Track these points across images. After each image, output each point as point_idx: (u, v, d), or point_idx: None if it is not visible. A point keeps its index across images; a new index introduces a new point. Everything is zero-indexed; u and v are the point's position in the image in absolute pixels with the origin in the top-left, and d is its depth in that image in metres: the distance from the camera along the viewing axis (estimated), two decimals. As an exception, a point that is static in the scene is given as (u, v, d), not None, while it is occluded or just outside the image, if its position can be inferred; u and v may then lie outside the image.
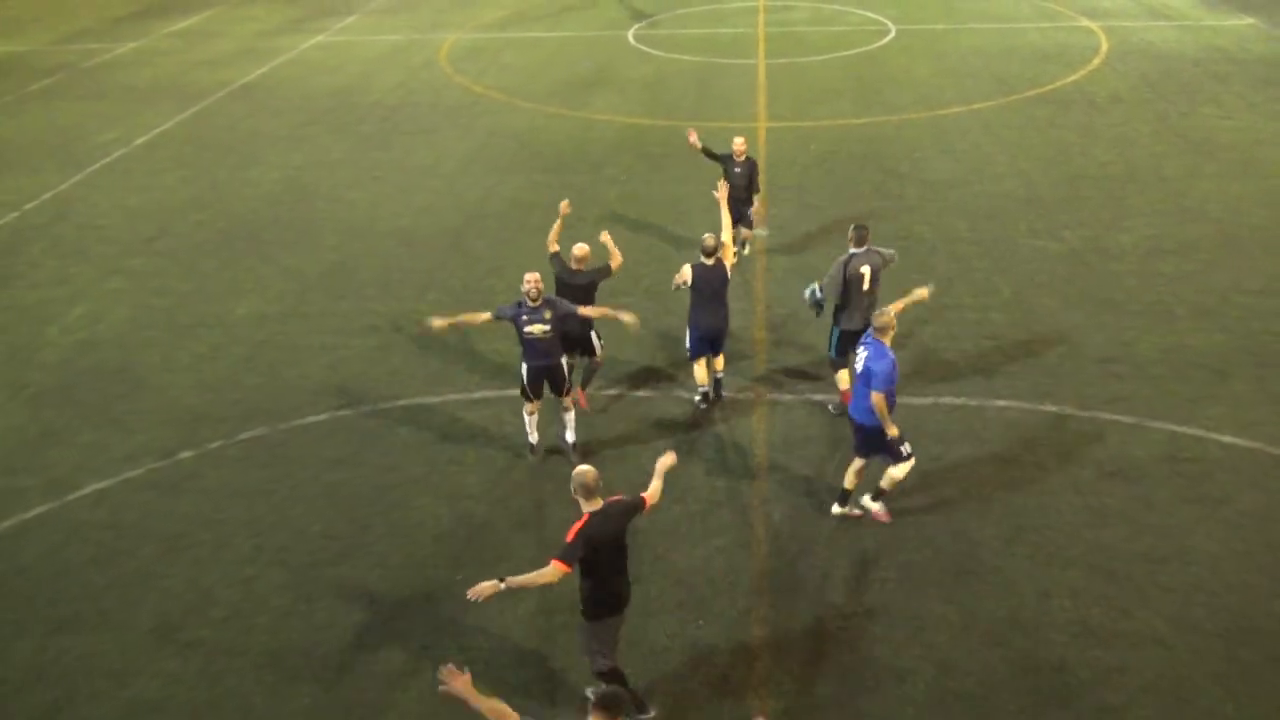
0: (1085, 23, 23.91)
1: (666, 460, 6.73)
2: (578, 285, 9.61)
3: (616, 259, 9.91)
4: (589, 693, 6.47)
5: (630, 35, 24.48)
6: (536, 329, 8.81)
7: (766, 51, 22.71)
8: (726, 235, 9.85)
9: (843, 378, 9.58)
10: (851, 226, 9.48)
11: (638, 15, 25.58)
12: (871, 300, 9.28)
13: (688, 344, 9.84)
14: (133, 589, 8.06)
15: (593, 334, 9.73)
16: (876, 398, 7.77)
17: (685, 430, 9.71)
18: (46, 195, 16.27)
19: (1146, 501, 8.50)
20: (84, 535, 8.68)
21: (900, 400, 9.93)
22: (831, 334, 9.64)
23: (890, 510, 8.40)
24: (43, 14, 29.99)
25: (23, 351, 11.67)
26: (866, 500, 8.43)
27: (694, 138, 12.58)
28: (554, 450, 9.48)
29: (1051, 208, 14.17)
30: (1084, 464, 8.99)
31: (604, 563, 6.17)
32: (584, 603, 6.34)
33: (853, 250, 9.32)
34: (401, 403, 10.34)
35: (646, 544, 8.27)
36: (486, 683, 7.09)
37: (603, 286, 10.00)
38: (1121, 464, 8.96)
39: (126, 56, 24.71)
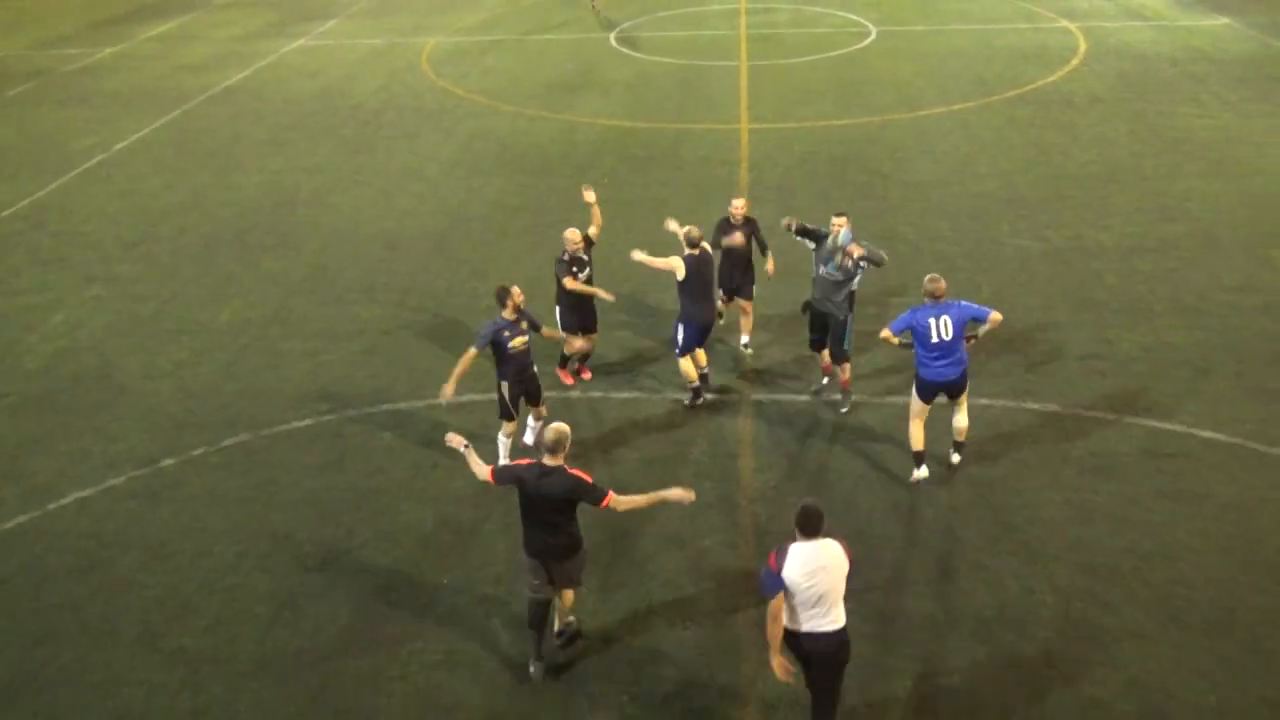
0: (1063, 23, 24.10)
1: (674, 494, 6.63)
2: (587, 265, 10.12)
3: (597, 222, 10.43)
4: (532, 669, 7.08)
5: (612, 38, 24.50)
6: (519, 341, 8.81)
7: (748, 53, 22.78)
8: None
9: (823, 356, 10.02)
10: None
11: (609, 24, 25.57)
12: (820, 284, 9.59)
13: (680, 340, 9.79)
14: (115, 598, 7.99)
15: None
16: (995, 316, 8.49)
17: (671, 431, 9.71)
18: (25, 202, 16.13)
19: (1128, 497, 8.57)
20: (65, 544, 8.60)
21: (883, 400, 10.02)
22: (848, 325, 9.63)
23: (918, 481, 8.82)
24: (19, 19, 29.76)
25: (2, 359, 11.56)
26: (954, 457, 8.98)
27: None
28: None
29: (1033, 207, 14.27)
30: (1066, 461, 9.05)
31: (530, 510, 6.75)
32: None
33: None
34: (385, 407, 10.31)
35: (635, 547, 8.28)
36: (473, 685, 7.08)
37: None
38: (1103, 460, 9.03)
39: (106, 61, 24.54)
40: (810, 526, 5.81)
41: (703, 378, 10.09)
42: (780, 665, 5.92)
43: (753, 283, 10.65)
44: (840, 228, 9.40)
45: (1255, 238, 13.08)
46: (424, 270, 13.23)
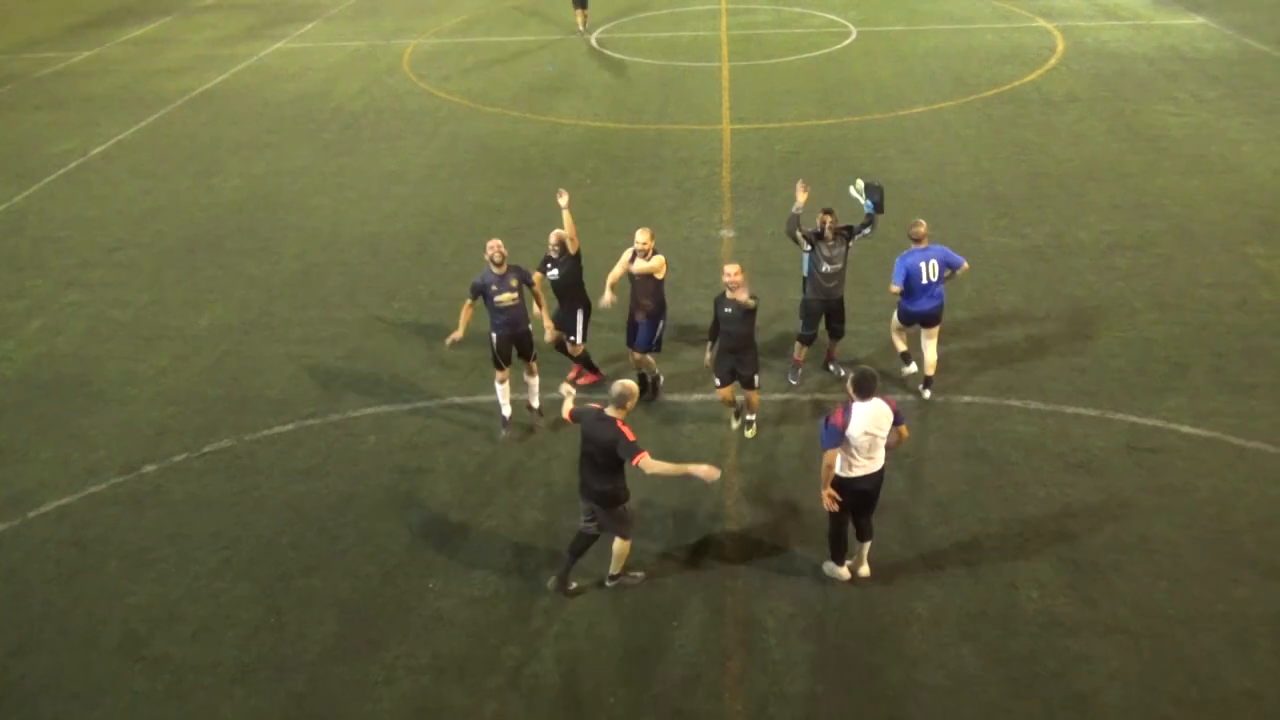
0: (1041, 23, 24.29)
1: (702, 469, 6.92)
2: (571, 262, 9.97)
3: (570, 233, 10.01)
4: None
5: (593, 39, 24.49)
6: (505, 297, 9.18)
7: (729, 54, 22.83)
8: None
9: (801, 350, 10.38)
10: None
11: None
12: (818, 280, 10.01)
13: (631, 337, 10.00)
14: (97, 607, 7.92)
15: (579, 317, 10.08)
16: (965, 265, 9.79)
17: (658, 431, 9.72)
18: (0, 207, 15.95)
19: (1109, 492, 8.65)
20: (45, 553, 8.52)
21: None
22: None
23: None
24: (-7, 23, 29.44)
25: (-21, 367, 11.44)
26: (925, 392, 10.00)
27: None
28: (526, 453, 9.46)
29: (1013, 205, 14.37)
30: (1048, 457, 9.12)
31: (583, 451, 7.35)
32: None
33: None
34: (369, 411, 10.26)
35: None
36: (460, 690, 7.07)
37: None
38: (1084, 456, 9.10)
39: (81, 65, 24.32)
40: (865, 389, 7.08)
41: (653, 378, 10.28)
42: (829, 496, 7.29)
43: (756, 364, 9.30)
44: (830, 223, 9.72)
45: (1232, 234, 13.23)
46: (406, 273, 13.19)
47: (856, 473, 7.27)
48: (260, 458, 9.61)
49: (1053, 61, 21.07)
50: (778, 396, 10.22)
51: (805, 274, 10.00)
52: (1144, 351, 10.70)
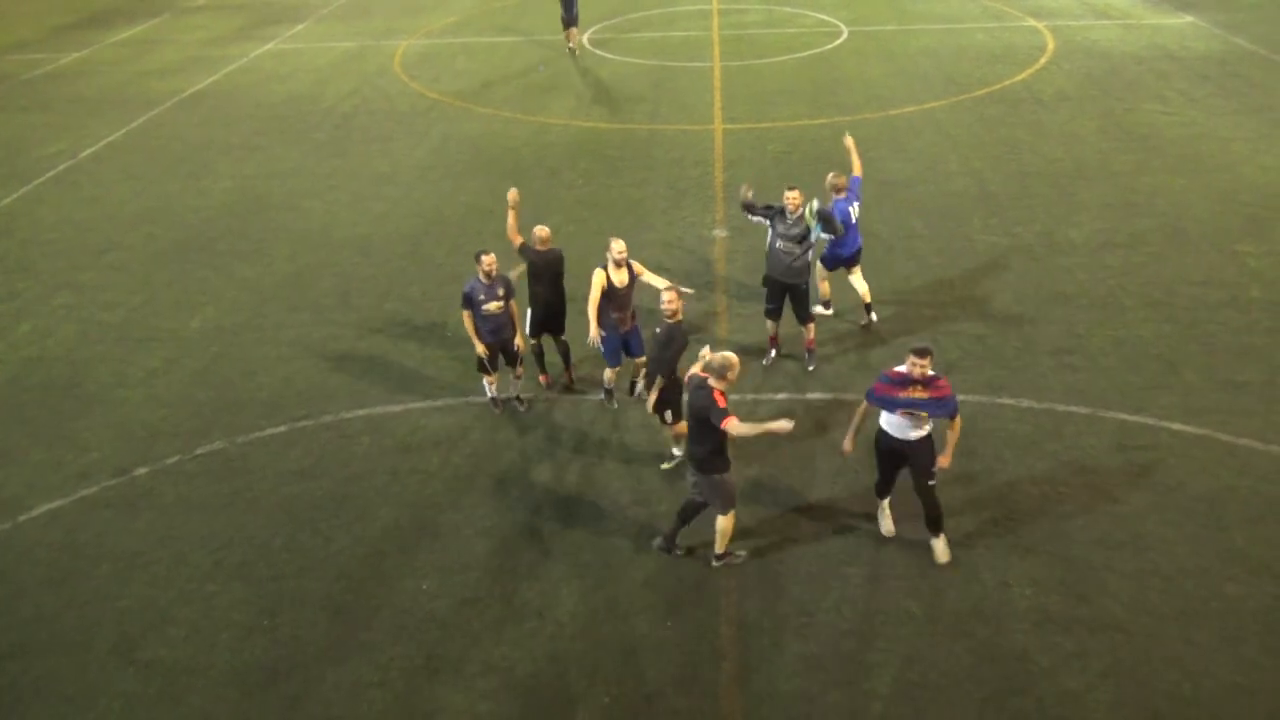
0: (1031, 23, 24.37)
1: (779, 425, 7.02)
2: (552, 260, 10.03)
3: (511, 233, 10.14)
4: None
5: (585, 39, 24.48)
6: (493, 306, 9.50)
7: (721, 54, 22.84)
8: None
9: (773, 326, 10.64)
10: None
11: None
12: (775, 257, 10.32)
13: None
14: (89, 610, 7.89)
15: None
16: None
17: (648, 433, 9.73)
18: (-10, 210, 15.89)
19: (1101, 489, 8.68)
20: (37, 557, 8.49)
21: (861, 396, 10.04)
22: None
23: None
24: (-18, 24, 29.29)
25: (-32, 370, 11.39)
26: (872, 315, 11.21)
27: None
28: (517, 462, 9.46)
29: (1003, 204, 14.41)
30: (1040, 455, 9.15)
31: (687, 416, 7.71)
32: None
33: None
34: (362, 412, 10.25)
35: (614, 547, 8.28)
36: (454, 690, 7.06)
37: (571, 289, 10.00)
38: (1076, 454, 9.14)
39: (70, 67, 24.21)
40: (920, 359, 7.48)
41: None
42: (848, 439, 8.03)
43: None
44: (794, 201, 9.96)
45: (1221, 232, 13.29)
46: (398, 275, 13.16)
47: (890, 430, 7.79)
48: (253, 459, 9.58)
49: (1043, 61, 21.14)
50: (778, 397, 10.23)
51: (766, 249, 10.26)
52: (1135, 349, 10.74)
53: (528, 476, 9.20)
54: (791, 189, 9.99)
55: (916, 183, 15.27)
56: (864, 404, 7.86)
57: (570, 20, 22.66)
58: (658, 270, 12.83)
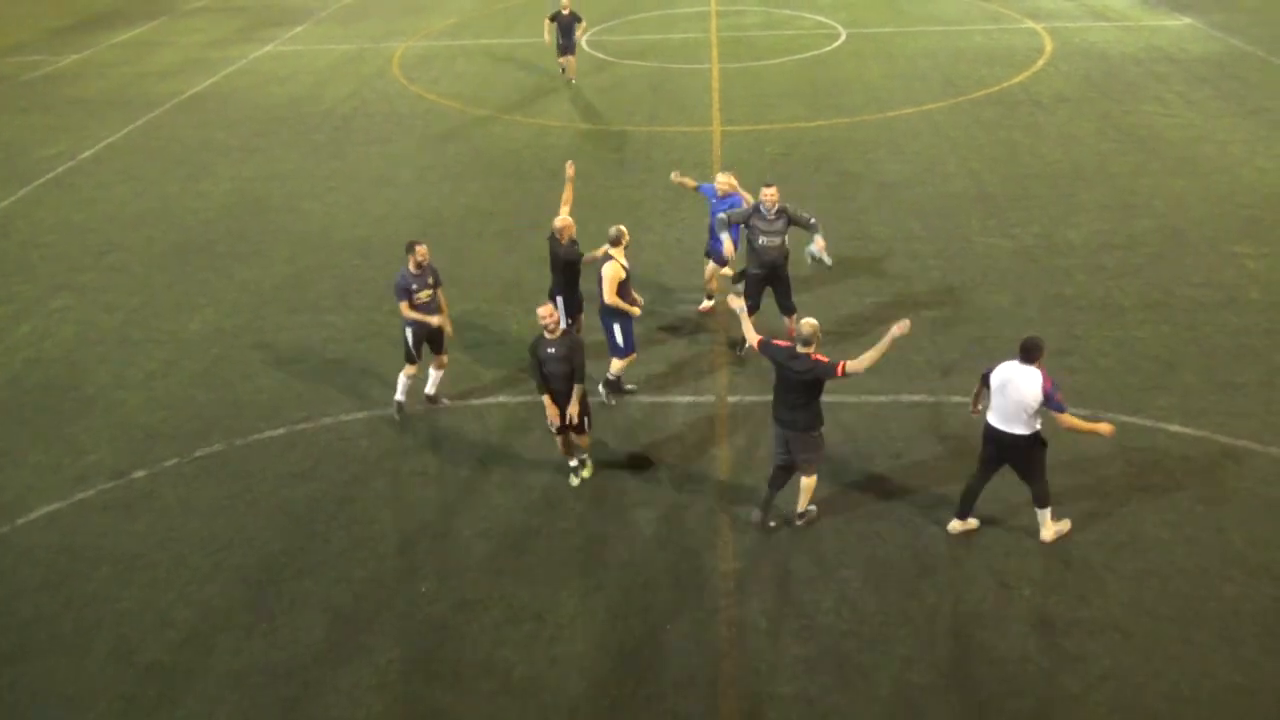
0: (1029, 24, 24.39)
1: (897, 329, 7.42)
2: (570, 255, 10.18)
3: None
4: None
5: (584, 41, 24.49)
6: (424, 294, 9.70)
7: (719, 56, 22.86)
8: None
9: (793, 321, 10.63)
10: (767, 187, 10.29)
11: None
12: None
13: (621, 340, 9.96)
14: (87, 613, 7.89)
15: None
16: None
17: (650, 434, 9.73)
18: (-11, 212, 15.89)
19: (1099, 490, 8.69)
20: (35, 559, 8.48)
21: (860, 398, 10.08)
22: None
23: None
24: (-20, 26, 29.28)
25: (-33, 372, 11.38)
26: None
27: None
28: (511, 463, 9.46)
29: (1002, 206, 14.43)
30: (1039, 456, 9.15)
31: (779, 386, 7.97)
32: None
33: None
34: (361, 415, 10.24)
35: (611, 549, 8.28)
36: (452, 693, 7.06)
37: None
38: (1075, 454, 9.14)
39: (69, 69, 24.21)
40: (1026, 353, 7.70)
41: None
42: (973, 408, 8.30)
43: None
44: (770, 197, 10.12)
45: (1220, 234, 13.31)
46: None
47: (993, 423, 7.88)
48: (252, 462, 9.58)
49: (1041, 63, 21.16)
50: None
51: (747, 250, 10.43)
52: (1133, 351, 10.75)
53: (526, 478, 9.20)
54: (769, 185, 10.22)
55: (915, 184, 15.28)
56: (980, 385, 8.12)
57: (567, 48, 20.67)
58: (658, 271, 12.87)
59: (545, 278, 10.68)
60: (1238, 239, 13.15)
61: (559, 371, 8.51)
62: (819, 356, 7.73)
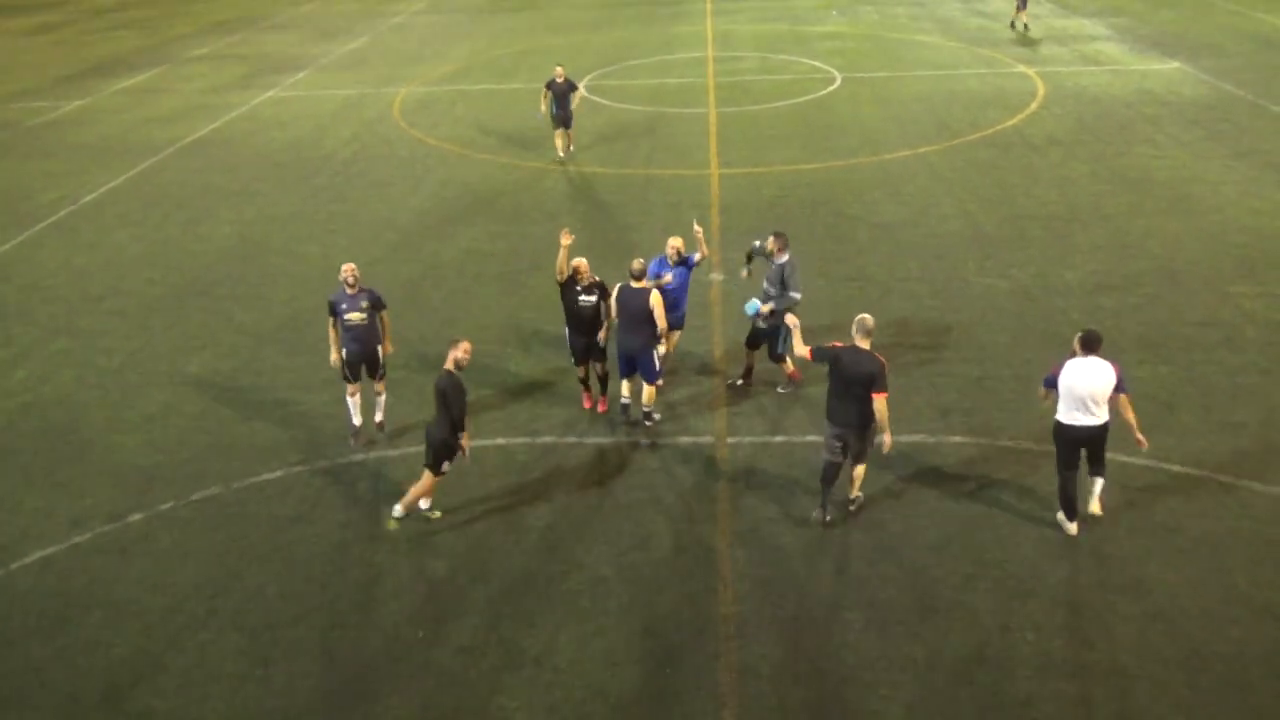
0: (1022, 69, 24.76)
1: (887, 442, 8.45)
2: (591, 304, 10.27)
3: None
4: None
5: (582, 86, 24.79)
6: (354, 316, 9.90)
7: (716, 100, 23.16)
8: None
9: (789, 364, 10.90)
10: (774, 235, 10.56)
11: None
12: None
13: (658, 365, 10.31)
14: (79, 659, 7.78)
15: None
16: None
17: (648, 474, 9.69)
18: (-11, 256, 15.95)
19: (1101, 532, 8.63)
20: (28, 605, 8.38)
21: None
22: (782, 330, 10.46)
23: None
24: (-15, 73, 29.65)
25: (-36, 416, 11.34)
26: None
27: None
28: (496, 509, 9.41)
29: (998, 247, 14.52)
30: (1039, 497, 9.11)
31: (839, 385, 8.46)
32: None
33: (784, 257, 10.54)
34: (357, 458, 10.20)
35: (611, 593, 8.20)
36: (451, 742, 6.92)
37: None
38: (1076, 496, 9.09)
39: (72, 115, 24.48)
40: (1088, 346, 8.19)
41: (636, 401, 10.57)
42: (1042, 396, 8.77)
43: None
44: (771, 245, 10.49)
45: (1214, 274, 13.38)
46: (396, 319, 13.08)
47: (1072, 421, 8.23)
48: (248, 505, 9.52)
49: (1034, 106, 21.44)
50: (776, 439, 10.21)
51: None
52: (1132, 391, 10.71)
53: (525, 521, 9.13)
54: (778, 235, 10.56)
55: (911, 226, 15.39)
56: (1040, 391, 8.72)
57: (564, 119, 18.85)
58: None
59: (544, 320, 10.73)
60: (1233, 279, 13.22)
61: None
62: (881, 357, 8.35)
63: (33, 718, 7.27)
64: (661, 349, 10.33)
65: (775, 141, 19.85)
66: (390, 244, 15.69)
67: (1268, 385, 10.73)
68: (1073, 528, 8.56)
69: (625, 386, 10.49)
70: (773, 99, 22.98)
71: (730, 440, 10.21)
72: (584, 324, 10.22)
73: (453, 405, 8.56)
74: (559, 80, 18.79)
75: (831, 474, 8.71)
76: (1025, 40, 28.05)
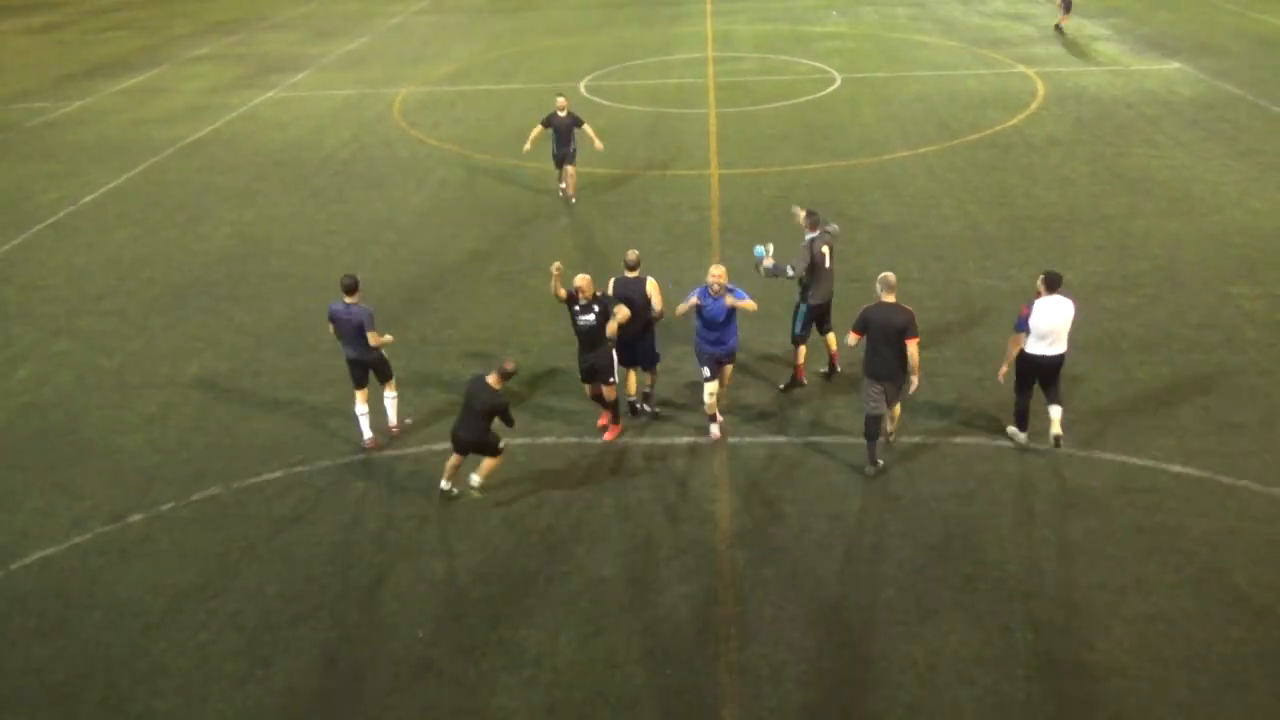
0: (1021, 69, 24.76)
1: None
2: (596, 317, 10.01)
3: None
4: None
5: (582, 87, 24.82)
6: (350, 324, 9.92)
7: (716, 100, 23.15)
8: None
9: (802, 353, 10.90)
10: (805, 213, 10.73)
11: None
12: (832, 275, 10.79)
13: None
14: (79, 661, 7.78)
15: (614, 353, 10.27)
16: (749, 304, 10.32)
17: (649, 476, 9.69)
18: (-11, 256, 15.95)
19: (1102, 532, 8.63)
20: (28, 606, 8.38)
21: (859, 440, 10.03)
22: (798, 312, 10.79)
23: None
24: (-15, 74, 29.65)
25: (-36, 417, 11.34)
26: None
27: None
28: (506, 522, 9.41)
29: (998, 247, 14.52)
30: (1040, 497, 9.12)
31: (876, 337, 9.08)
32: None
33: (810, 235, 10.59)
34: (358, 458, 10.20)
35: (611, 594, 8.20)
36: (451, 743, 6.92)
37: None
38: (1076, 496, 9.10)
39: (73, 115, 24.48)
40: (1051, 285, 9.18)
41: (645, 397, 10.77)
42: (1003, 373, 9.65)
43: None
44: (802, 219, 10.71)
45: (1215, 274, 13.38)
46: (396, 320, 13.17)
47: (1039, 352, 9.26)
48: (248, 505, 9.51)
49: (1034, 106, 21.44)
50: (778, 439, 10.21)
51: (812, 275, 10.61)
52: (1132, 391, 10.75)
53: (525, 521, 9.13)
54: (810, 213, 10.76)
55: (911, 226, 15.39)
56: (1015, 337, 9.33)
57: (566, 157, 16.52)
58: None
59: (543, 320, 10.72)
60: (1233, 279, 13.22)
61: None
62: (910, 309, 9.05)
63: (33, 718, 7.27)
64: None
65: (775, 142, 19.85)
66: (390, 244, 15.68)
67: (1268, 385, 10.73)
68: (1023, 437, 9.68)
69: (631, 382, 10.53)
70: (773, 99, 22.98)
71: (731, 440, 10.20)
72: (585, 342, 10.18)
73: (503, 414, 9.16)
74: (560, 114, 16.12)
75: (875, 427, 9.30)
76: (1031, 40, 28.05)
